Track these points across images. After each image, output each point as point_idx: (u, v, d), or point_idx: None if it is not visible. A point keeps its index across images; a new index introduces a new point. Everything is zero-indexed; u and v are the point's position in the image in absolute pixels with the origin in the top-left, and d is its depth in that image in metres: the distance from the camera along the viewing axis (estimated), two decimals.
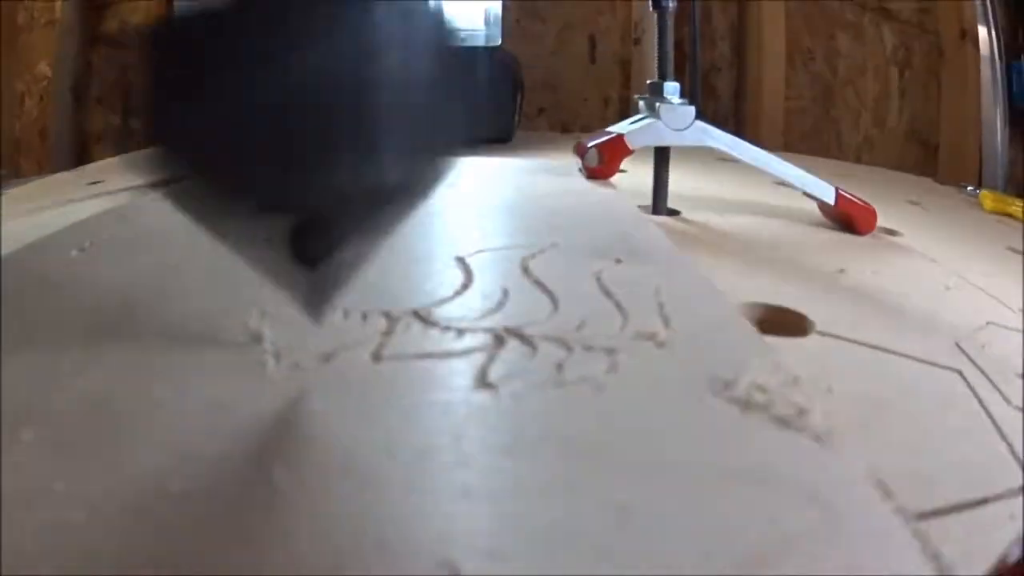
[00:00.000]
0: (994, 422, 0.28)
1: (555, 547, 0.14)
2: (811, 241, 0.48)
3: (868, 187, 0.78)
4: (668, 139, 0.47)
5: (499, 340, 0.22)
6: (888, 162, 1.10)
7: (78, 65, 1.30)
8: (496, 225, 0.35)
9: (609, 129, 0.50)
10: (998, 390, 0.30)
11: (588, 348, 0.21)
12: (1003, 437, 0.27)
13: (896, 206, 0.70)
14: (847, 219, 0.51)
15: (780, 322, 0.33)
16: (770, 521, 0.15)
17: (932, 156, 1.10)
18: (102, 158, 1.28)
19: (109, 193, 0.64)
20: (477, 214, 0.36)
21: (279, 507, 0.15)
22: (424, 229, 0.33)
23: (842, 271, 0.42)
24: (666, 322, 0.22)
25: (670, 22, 0.48)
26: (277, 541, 0.14)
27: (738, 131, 1.18)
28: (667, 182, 0.48)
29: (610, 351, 0.21)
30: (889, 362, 0.31)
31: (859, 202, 0.50)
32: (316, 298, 0.21)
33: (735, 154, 0.48)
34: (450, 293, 0.25)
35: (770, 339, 0.29)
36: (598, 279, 0.26)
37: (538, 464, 0.16)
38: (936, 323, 0.36)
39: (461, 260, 0.29)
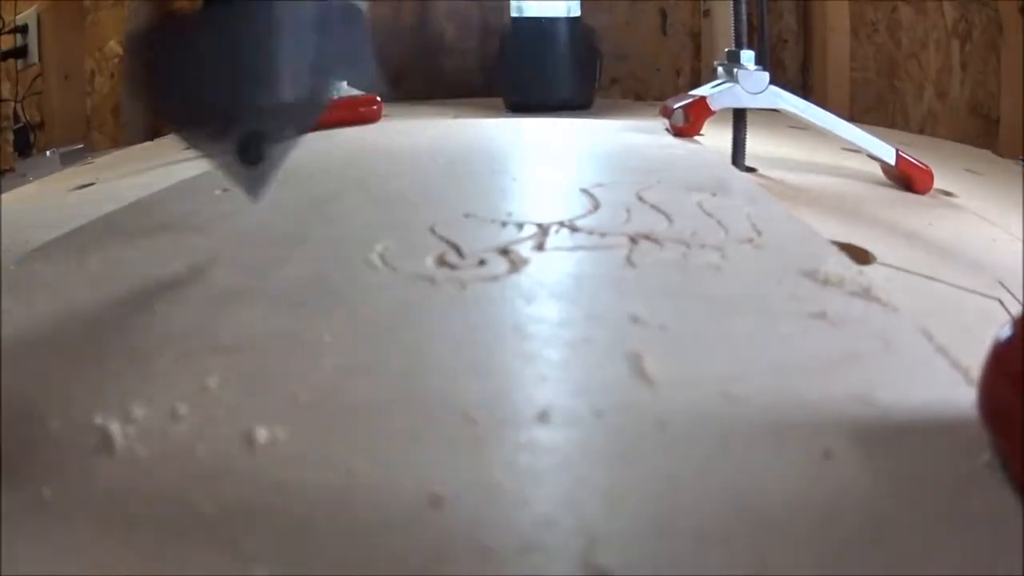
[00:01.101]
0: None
1: (693, 351, 0.22)
2: (873, 196, 0.55)
3: (928, 154, 0.84)
4: (745, 102, 0.54)
5: (633, 240, 0.29)
6: (951, 135, 1.14)
7: None
8: (605, 166, 0.42)
9: (691, 92, 0.57)
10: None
11: (703, 246, 0.29)
12: None
13: (954, 172, 0.75)
14: (907, 179, 0.57)
15: (847, 253, 0.40)
16: (843, 345, 0.22)
17: (993, 129, 1.14)
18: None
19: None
20: (589, 158, 0.43)
21: None
22: (546, 169, 0.41)
23: (899, 221, 0.49)
24: (759, 233, 0.30)
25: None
26: None
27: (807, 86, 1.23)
28: (745, 141, 0.56)
29: (719, 249, 0.28)
30: (938, 287, 0.37)
31: (918, 163, 0.56)
32: (257, 184, 0.30)
33: (805, 116, 0.55)
34: (584, 212, 0.33)
35: None
36: (700, 205, 0.34)
37: (676, 307, 0.24)
38: (981, 264, 0.42)
39: (585, 191, 0.37)
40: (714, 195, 0.34)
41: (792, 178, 0.56)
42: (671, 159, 0.43)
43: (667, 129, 0.55)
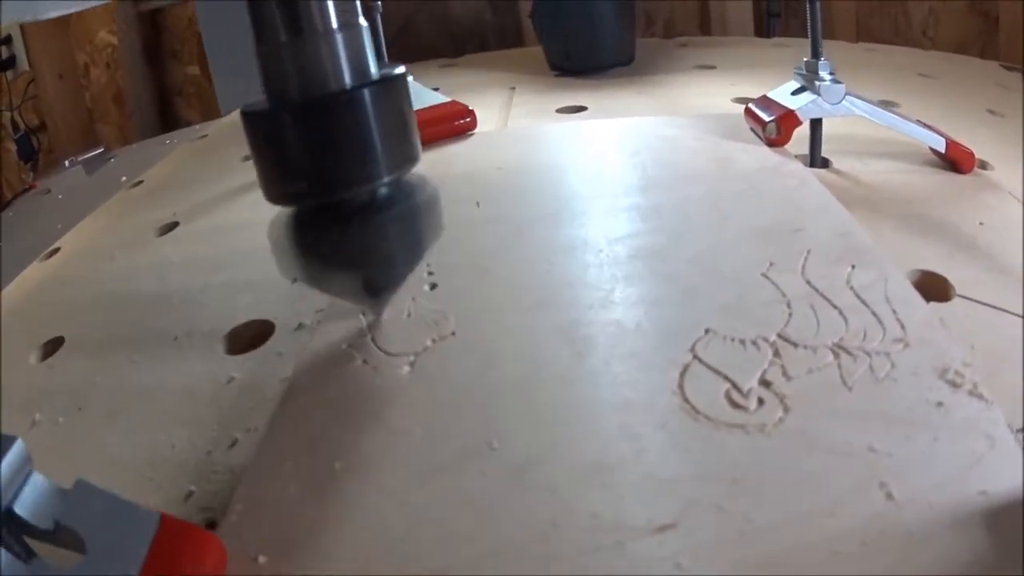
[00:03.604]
0: None
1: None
2: (930, 186, 0.67)
3: (949, 92, 0.96)
4: (826, 112, 0.65)
5: (836, 354, 0.41)
6: (952, 35, 1.26)
7: (144, 27, 1.40)
8: (755, 226, 0.50)
9: (774, 99, 0.68)
10: None
11: (876, 353, 0.41)
12: None
13: (978, 120, 0.87)
14: (953, 161, 0.69)
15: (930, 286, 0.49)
16: (972, 447, 0.34)
17: (993, 29, 1.26)
18: (188, 109, 1.41)
19: None
20: (730, 209, 0.54)
21: None
22: (705, 237, 0.51)
23: (959, 225, 0.60)
24: (903, 328, 0.41)
25: (820, 7, 0.66)
26: None
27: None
28: (821, 141, 0.67)
29: (887, 355, 0.40)
30: (1003, 317, 0.46)
31: (962, 148, 0.68)
32: (380, 306, 0.42)
33: (874, 119, 0.67)
34: (784, 318, 0.43)
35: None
36: (850, 286, 0.45)
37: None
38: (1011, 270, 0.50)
39: (766, 277, 0.47)
40: (853, 267, 0.46)
41: (859, 169, 0.67)
42: (794, 201, 0.53)
43: (758, 135, 0.67)
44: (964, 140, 0.70)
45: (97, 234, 0.75)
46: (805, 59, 0.67)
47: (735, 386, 0.35)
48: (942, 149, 0.68)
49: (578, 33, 0.96)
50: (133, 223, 0.75)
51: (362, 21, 0.34)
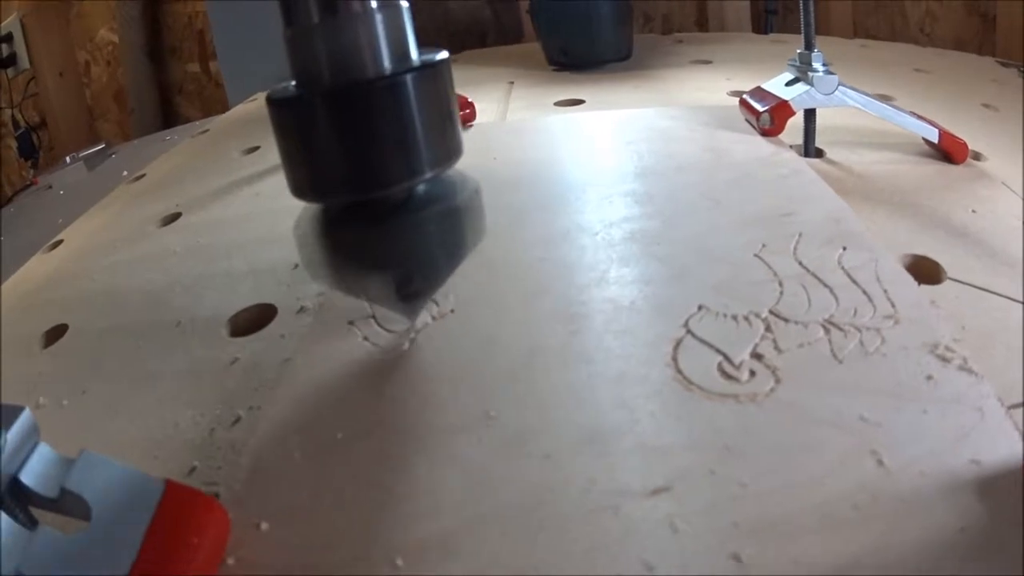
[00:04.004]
0: None
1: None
2: (923, 175, 0.68)
3: (944, 87, 0.97)
4: (819, 102, 0.66)
5: (826, 329, 0.42)
6: (949, 33, 1.28)
7: (144, 24, 1.41)
8: (746, 212, 0.52)
9: (768, 90, 0.69)
10: None
11: (867, 329, 0.42)
12: None
13: (974, 114, 0.88)
14: (946, 152, 0.70)
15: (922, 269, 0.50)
16: (961, 421, 0.35)
17: (991, 28, 1.27)
18: (189, 106, 1.42)
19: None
20: (723, 195, 0.55)
21: None
22: (696, 219, 0.52)
23: (950, 212, 0.61)
24: (893, 306, 0.43)
25: (813, 2, 0.67)
26: None
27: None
28: (815, 132, 0.68)
29: (878, 330, 0.42)
30: (992, 299, 0.46)
31: (955, 138, 0.69)
32: (413, 311, 0.39)
33: (868, 110, 0.68)
34: (775, 295, 0.44)
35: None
36: (842, 267, 0.46)
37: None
38: (1015, 262, 0.51)
39: (759, 258, 0.48)
40: (844, 249, 0.47)
41: (853, 159, 0.69)
42: (787, 188, 0.54)
43: (752, 125, 0.68)
44: (958, 133, 0.71)
45: (99, 227, 0.76)
46: (799, 51, 0.68)
47: (727, 358, 0.36)
48: (935, 140, 0.69)
49: (576, 29, 0.97)
50: (135, 216, 0.75)
51: (402, 1, 0.30)
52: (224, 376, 0.45)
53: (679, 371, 0.36)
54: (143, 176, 0.92)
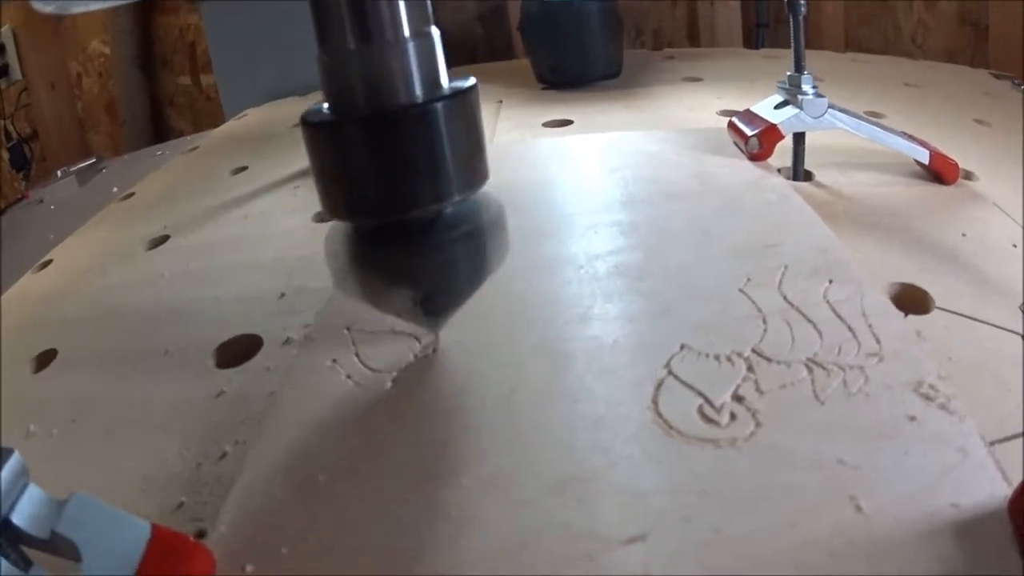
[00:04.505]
0: None
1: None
2: (913, 198, 0.68)
3: (936, 102, 0.97)
4: (808, 126, 0.67)
5: (809, 368, 0.42)
6: (942, 44, 1.28)
7: (136, 36, 1.41)
8: (729, 244, 0.53)
9: (757, 113, 0.70)
10: None
11: (851, 368, 0.42)
12: None
13: (966, 131, 0.89)
14: (937, 173, 0.70)
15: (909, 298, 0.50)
16: (943, 460, 0.36)
17: (983, 37, 1.28)
18: (180, 119, 1.43)
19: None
20: (709, 225, 0.56)
21: None
22: (682, 250, 0.53)
23: (941, 236, 0.61)
24: (878, 342, 0.43)
25: (803, 24, 0.67)
26: None
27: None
28: (803, 155, 0.69)
29: (861, 368, 0.42)
30: (982, 328, 0.46)
31: (946, 159, 0.69)
32: (437, 326, 0.41)
33: (857, 133, 0.68)
34: (759, 332, 0.44)
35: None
36: (828, 301, 0.47)
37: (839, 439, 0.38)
38: (1006, 289, 0.51)
39: (743, 293, 0.47)
40: (830, 282, 0.47)
41: (842, 182, 0.69)
42: (773, 216, 0.54)
43: (741, 149, 0.68)
44: (949, 150, 0.71)
45: (89, 247, 0.77)
46: (788, 73, 0.68)
47: (708, 401, 0.37)
48: (926, 161, 0.69)
49: (566, 47, 0.98)
50: (124, 237, 0.76)
51: (434, 30, 0.32)
52: (211, 408, 0.46)
53: (659, 414, 0.36)
54: (132, 195, 0.92)
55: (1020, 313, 0.50)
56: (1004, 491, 0.32)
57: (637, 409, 0.37)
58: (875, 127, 0.69)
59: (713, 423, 0.35)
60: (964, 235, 0.61)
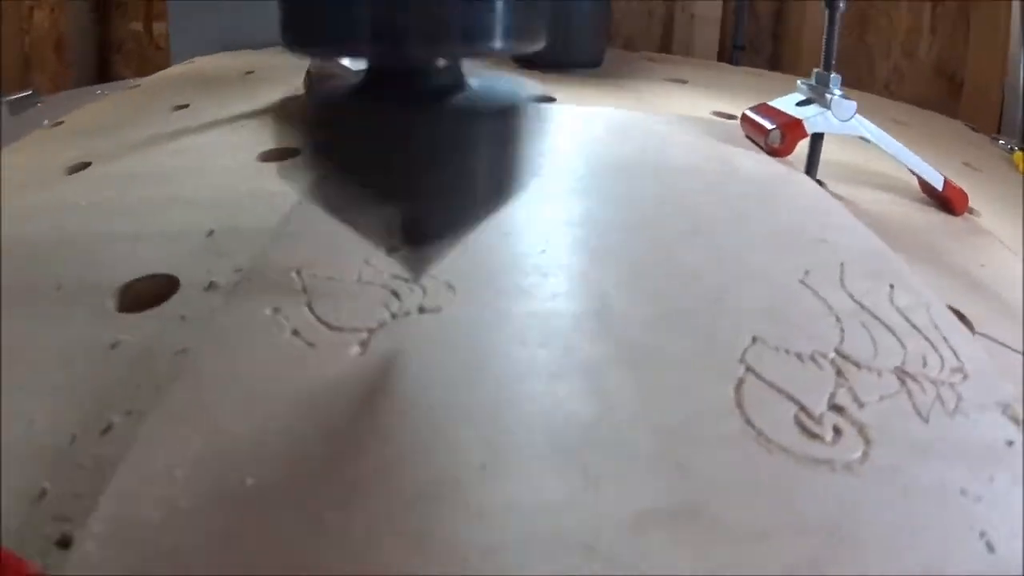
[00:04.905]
0: None
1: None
2: (932, 224, 0.60)
3: (924, 141, 0.90)
4: (834, 128, 0.57)
5: (901, 380, 0.32)
6: (915, 92, 1.22)
7: None
8: (781, 237, 0.43)
9: (777, 107, 0.60)
10: None
11: (936, 382, 0.32)
12: None
13: (956, 171, 0.81)
14: (947, 201, 0.62)
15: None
16: None
17: (956, 91, 1.22)
18: (125, 67, 1.28)
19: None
20: (748, 209, 0.45)
21: None
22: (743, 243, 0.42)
23: (967, 265, 0.53)
24: (957, 357, 0.34)
25: (840, 21, 0.58)
26: None
27: (776, 51, 1.27)
28: (819, 157, 0.59)
29: (952, 385, 0.32)
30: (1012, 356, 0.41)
31: (958, 188, 0.62)
32: (418, 266, 0.28)
33: (880, 144, 0.59)
34: (837, 335, 0.35)
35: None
36: (895, 306, 0.37)
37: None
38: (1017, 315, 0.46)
39: (805, 285, 0.38)
40: (892, 287, 0.37)
41: (858, 196, 0.60)
42: (814, 212, 0.45)
43: (749, 138, 0.58)
44: None
45: (4, 172, 0.62)
46: (816, 70, 0.58)
47: (804, 409, 0.26)
48: (939, 187, 0.61)
49: (552, 27, 0.87)
50: (42, 161, 0.62)
51: None
52: (101, 363, 0.32)
53: (749, 422, 0.25)
54: (62, 123, 0.78)
55: None
56: None
57: (722, 414, 0.25)
58: (898, 143, 0.61)
59: (817, 438, 0.24)
60: (983, 266, 0.54)
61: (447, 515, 0.21)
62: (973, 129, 1.10)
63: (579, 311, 0.31)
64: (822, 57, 0.58)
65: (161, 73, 0.97)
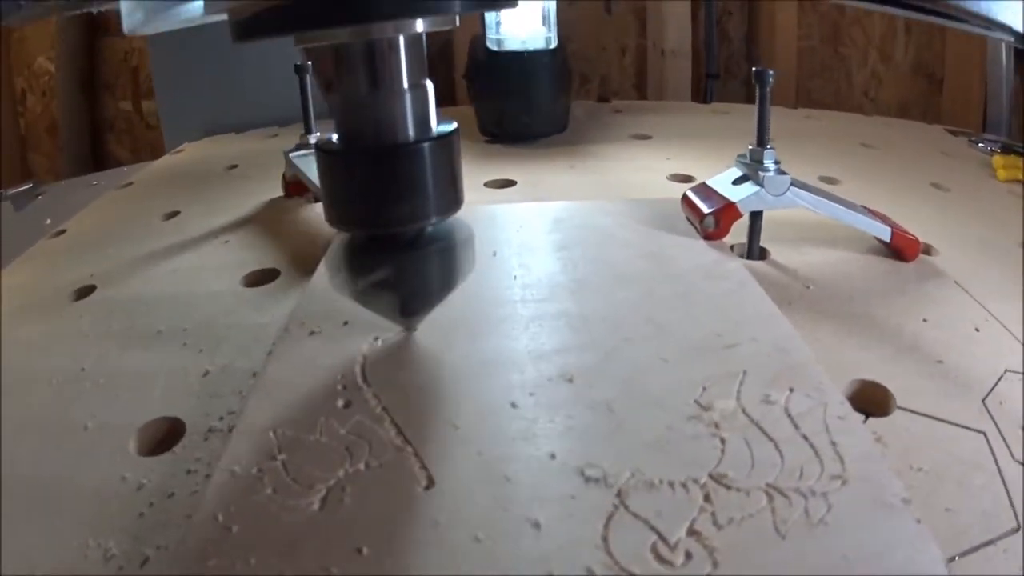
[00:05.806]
0: (1001, 476, 0.42)
1: None
2: (871, 276, 0.65)
3: (892, 164, 0.96)
4: (768, 204, 0.65)
5: (769, 496, 0.39)
6: (896, 96, 1.29)
7: (82, 57, 1.36)
8: (687, 341, 0.48)
9: (714, 188, 0.68)
10: (1007, 447, 0.44)
11: (814, 494, 0.39)
12: (1004, 486, 0.42)
13: (922, 196, 0.87)
14: (898, 249, 0.69)
15: (868, 395, 0.49)
16: None
17: (937, 89, 1.28)
18: (119, 145, 1.38)
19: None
20: (660, 317, 0.53)
21: None
22: (639, 354, 0.49)
23: (901, 323, 0.58)
24: (842, 461, 0.40)
25: (770, 95, 0.65)
26: None
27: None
28: (760, 232, 0.67)
29: (825, 496, 0.39)
30: (940, 429, 0.45)
31: (907, 235, 0.67)
32: (412, 327, 0.48)
33: (819, 211, 0.66)
34: (715, 457, 0.39)
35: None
36: (788, 414, 0.43)
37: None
38: (969, 380, 0.50)
39: (698, 403, 0.43)
40: (791, 391, 0.45)
41: (797, 261, 0.67)
42: (731, 308, 0.50)
43: (695, 227, 0.66)
44: (907, 220, 0.70)
45: (14, 292, 0.72)
46: (750, 147, 0.66)
47: (662, 537, 0.34)
48: (887, 239, 0.68)
49: (513, 99, 0.94)
50: (50, 282, 0.71)
51: (427, 82, 0.39)
52: (132, 502, 0.42)
53: (610, 554, 0.33)
54: (64, 232, 0.88)
55: (983, 407, 0.49)
56: None
57: (587, 548, 0.34)
58: (836, 205, 0.68)
59: (667, 563, 0.32)
60: (925, 320, 0.60)
61: None
62: (953, 133, 1.14)
63: (505, 433, 0.40)
64: (755, 132, 0.63)
65: (153, 167, 1.06)
